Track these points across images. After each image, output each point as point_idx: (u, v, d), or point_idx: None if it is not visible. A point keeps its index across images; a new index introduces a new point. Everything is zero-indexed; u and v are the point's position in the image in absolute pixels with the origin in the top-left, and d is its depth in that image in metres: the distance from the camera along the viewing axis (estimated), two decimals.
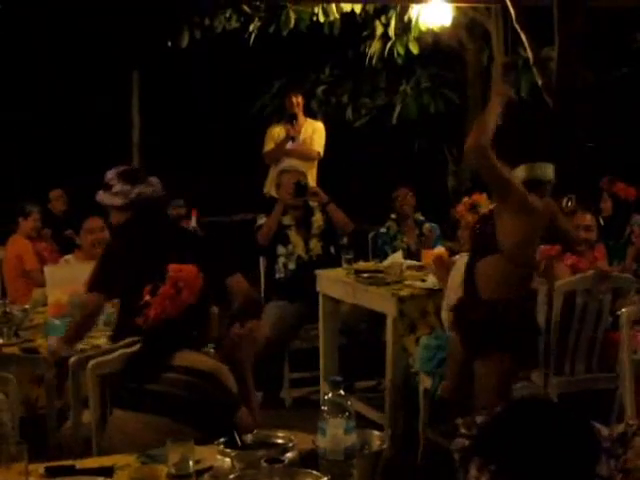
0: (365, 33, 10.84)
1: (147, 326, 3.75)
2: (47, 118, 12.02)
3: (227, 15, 10.61)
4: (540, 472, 2.32)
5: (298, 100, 9.20)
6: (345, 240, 7.49)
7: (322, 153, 9.10)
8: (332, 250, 7.37)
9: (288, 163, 8.39)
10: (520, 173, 5.01)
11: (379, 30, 10.38)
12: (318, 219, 7.41)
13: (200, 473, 3.08)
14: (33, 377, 4.92)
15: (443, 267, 6.04)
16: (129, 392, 3.68)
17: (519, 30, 8.71)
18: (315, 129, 9.24)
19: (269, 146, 9.07)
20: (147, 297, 3.76)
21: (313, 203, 7.44)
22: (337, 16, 9.92)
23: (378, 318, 6.46)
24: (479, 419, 2.59)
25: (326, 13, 9.88)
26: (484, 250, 4.87)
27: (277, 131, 9.14)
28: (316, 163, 9.15)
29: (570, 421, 2.44)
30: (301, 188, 7.32)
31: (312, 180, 8.48)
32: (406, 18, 9.76)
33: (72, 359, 4.17)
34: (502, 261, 4.80)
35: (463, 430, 2.61)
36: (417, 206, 8.36)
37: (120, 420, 3.68)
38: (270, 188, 8.75)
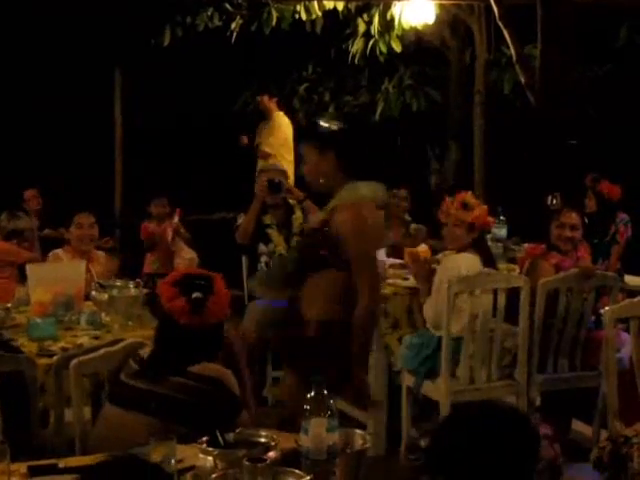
0: (348, 31, 10.83)
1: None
2: (26, 116, 11.96)
3: (209, 13, 10.59)
4: (485, 475, 2.37)
5: (262, 99, 9.58)
6: None
7: (271, 151, 9.66)
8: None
9: (267, 163, 8.55)
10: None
11: (362, 28, 10.37)
12: (299, 217, 7.40)
13: (182, 472, 3.06)
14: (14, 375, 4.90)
15: (418, 263, 6.05)
16: (128, 390, 3.65)
17: (502, 28, 8.72)
18: (270, 127, 9.58)
19: None
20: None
21: (292, 201, 7.45)
22: (319, 14, 9.90)
23: None
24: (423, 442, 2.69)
25: (308, 11, 9.87)
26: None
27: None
28: (279, 157, 9.45)
29: (503, 419, 2.49)
30: (275, 186, 7.34)
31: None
32: (389, 16, 9.75)
33: (55, 358, 4.15)
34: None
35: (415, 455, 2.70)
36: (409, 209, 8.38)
37: (112, 416, 3.66)
38: None
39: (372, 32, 10.15)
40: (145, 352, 3.77)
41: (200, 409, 3.52)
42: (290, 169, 9.26)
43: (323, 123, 4.78)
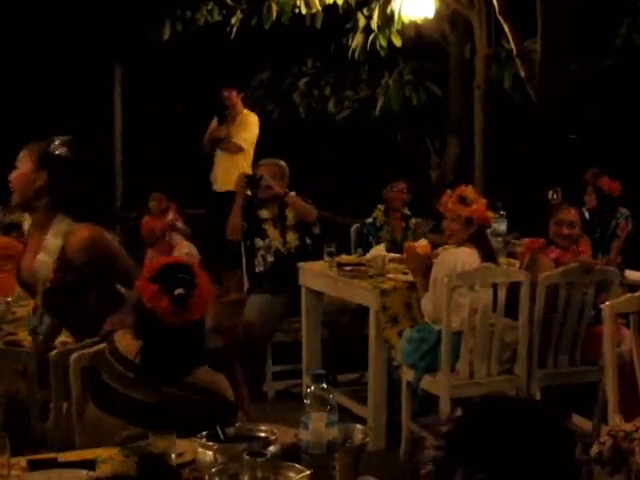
0: (348, 25, 10.81)
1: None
2: (26, 112, 11.95)
3: (209, 8, 10.58)
4: (532, 471, 2.31)
5: (229, 94, 9.84)
6: (317, 230, 7.49)
7: (246, 146, 9.81)
8: (308, 241, 7.39)
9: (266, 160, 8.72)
10: None
11: (362, 22, 10.35)
12: (293, 211, 7.43)
13: (182, 466, 3.07)
14: (15, 370, 4.90)
15: (414, 258, 6.04)
16: (117, 396, 3.59)
17: (502, 22, 8.71)
18: (242, 122, 9.64)
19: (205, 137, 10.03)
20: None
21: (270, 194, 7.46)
22: (319, 8, 9.89)
23: (361, 311, 6.46)
24: (444, 428, 2.57)
25: (308, 5, 9.85)
26: None
27: (214, 122, 10.07)
28: (247, 154, 9.66)
29: (541, 414, 2.44)
30: (252, 181, 7.39)
31: (243, 170, 8.61)
32: (389, 10, 9.73)
33: (54, 352, 4.15)
34: None
35: (431, 441, 2.59)
36: (406, 201, 8.37)
37: (96, 418, 3.64)
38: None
39: (372, 27, 10.13)
40: (126, 349, 3.68)
41: (194, 421, 3.39)
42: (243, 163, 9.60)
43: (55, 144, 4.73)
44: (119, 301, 4.62)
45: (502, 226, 7.62)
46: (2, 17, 11.01)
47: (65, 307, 4.67)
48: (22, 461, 3.19)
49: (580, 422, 6.01)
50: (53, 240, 4.64)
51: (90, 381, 3.79)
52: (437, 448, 2.50)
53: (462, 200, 5.69)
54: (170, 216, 8.61)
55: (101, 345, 3.88)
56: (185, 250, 8.57)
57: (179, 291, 3.50)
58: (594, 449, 3.74)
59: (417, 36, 10.46)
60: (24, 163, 4.63)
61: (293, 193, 7.49)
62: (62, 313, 4.69)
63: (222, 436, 3.11)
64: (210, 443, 3.06)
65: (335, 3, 9.87)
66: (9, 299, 5.82)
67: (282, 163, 7.69)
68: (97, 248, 4.57)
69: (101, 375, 3.67)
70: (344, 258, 6.92)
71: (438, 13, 9.75)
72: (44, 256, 4.67)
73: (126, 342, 3.66)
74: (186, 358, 3.58)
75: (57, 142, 4.70)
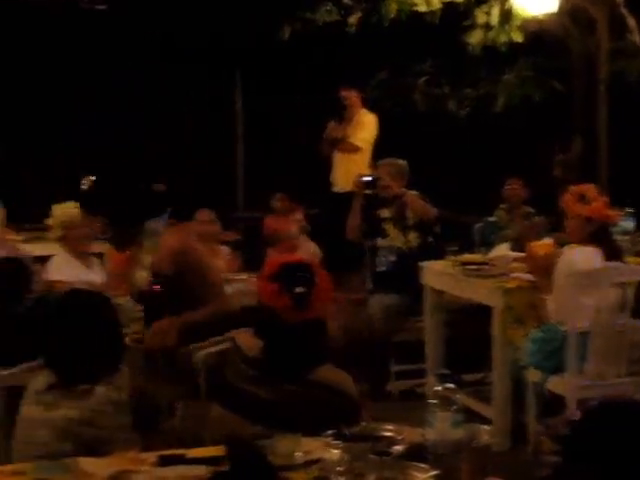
0: (467, 22, 10.74)
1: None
2: (151, 116, 12.15)
3: (328, 8, 10.61)
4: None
5: (348, 94, 9.87)
6: (438, 229, 7.47)
7: (364, 146, 9.78)
8: (429, 240, 7.38)
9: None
10: None
11: (481, 19, 10.27)
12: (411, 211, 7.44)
13: (308, 464, 3.08)
14: (143, 368, 4.99)
15: (534, 258, 5.96)
16: (240, 394, 3.62)
17: (626, 15, 8.54)
18: (360, 122, 9.63)
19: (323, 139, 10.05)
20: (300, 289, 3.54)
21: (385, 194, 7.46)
22: (438, 6, 9.85)
23: (484, 311, 6.40)
24: (562, 432, 2.50)
25: (427, 3, 9.82)
26: None
27: (331, 123, 10.05)
28: (365, 154, 9.62)
29: None
30: (370, 182, 7.43)
31: (361, 170, 8.62)
32: (508, 6, 9.64)
33: (181, 350, 4.21)
34: None
35: (548, 445, 2.54)
36: (527, 198, 8.29)
37: (221, 416, 3.67)
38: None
39: (491, 23, 10.04)
40: (248, 348, 3.73)
41: (318, 419, 3.40)
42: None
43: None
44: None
45: (629, 224, 7.47)
46: (126, 22, 11.22)
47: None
48: (152, 457, 3.24)
49: None
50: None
51: (215, 379, 3.84)
52: (555, 453, 2.45)
53: (581, 198, 5.61)
54: (298, 216, 8.66)
55: (224, 344, 3.93)
56: (311, 250, 8.61)
57: (299, 289, 3.50)
58: None
59: (537, 31, 10.32)
60: None
61: (414, 192, 7.47)
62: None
63: (348, 435, 3.12)
64: (336, 442, 3.07)
65: (454, 0, 9.82)
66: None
67: (401, 162, 7.68)
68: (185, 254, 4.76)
69: (225, 374, 3.72)
70: (467, 257, 6.87)
71: (559, 7, 9.62)
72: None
73: (248, 341, 3.70)
74: (308, 356, 3.59)
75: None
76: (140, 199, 5.52)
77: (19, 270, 5.39)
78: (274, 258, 4.42)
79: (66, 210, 6.68)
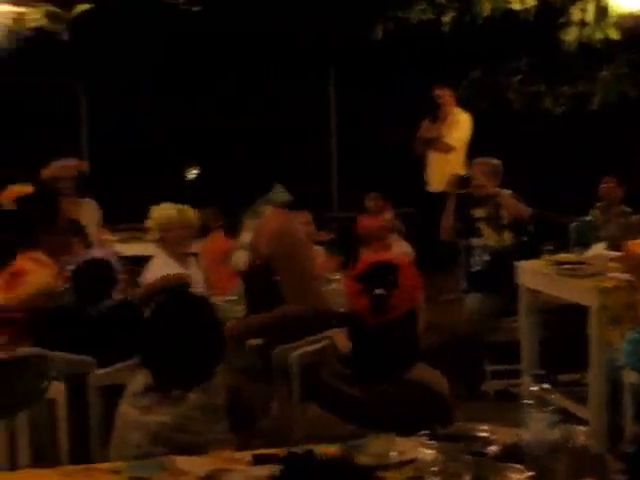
0: (562, 20, 10.62)
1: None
2: (244, 117, 12.25)
3: (422, 7, 10.59)
4: None
5: (442, 93, 9.87)
6: (532, 228, 7.41)
7: (458, 145, 9.75)
8: (524, 239, 7.33)
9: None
10: None
11: (576, 16, 10.15)
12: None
13: (403, 464, 3.09)
14: (238, 367, 5.04)
15: (631, 256, 5.87)
16: (330, 391, 3.64)
17: None
18: (454, 122, 9.57)
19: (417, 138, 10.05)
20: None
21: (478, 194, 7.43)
22: (533, 3, 9.76)
23: (580, 311, 6.33)
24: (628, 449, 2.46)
25: (521, 0, 9.74)
26: None
27: (425, 122, 10.06)
28: (459, 154, 9.52)
29: None
30: (462, 181, 7.41)
31: (456, 170, 8.58)
32: (603, 2, 9.52)
33: (276, 349, 4.25)
34: None
35: (613, 464, 2.50)
36: (623, 197, 8.19)
37: (316, 415, 3.69)
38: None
39: (586, 20, 9.92)
40: (343, 347, 3.75)
41: (411, 418, 3.41)
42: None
43: None
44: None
45: None
46: (222, 23, 11.32)
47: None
48: (247, 456, 3.28)
49: None
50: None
51: (311, 379, 3.86)
52: (621, 472, 2.43)
53: None
54: (388, 215, 8.67)
55: (320, 343, 3.96)
56: (403, 249, 8.61)
57: (379, 291, 3.52)
58: None
59: (633, 28, 10.17)
60: None
61: (508, 192, 7.42)
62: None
63: (442, 435, 3.12)
64: (430, 442, 3.07)
65: None
66: (231, 297, 5.98)
67: (495, 162, 7.64)
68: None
69: (321, 373, 3.74)
70: (563, 257, 6.81)
71: None
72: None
73: (342, 340, 3.72)
74: (396, 356, 3.60)
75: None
76: (248, 184, 5.53)
77: (107, 271, 5.46)
78: (366, 257, 4.43)
79: (163, 212, 6.73)
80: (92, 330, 5.00)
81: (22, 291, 4.75)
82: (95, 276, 5.34)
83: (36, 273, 4.82)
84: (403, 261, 3.72)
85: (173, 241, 6.67)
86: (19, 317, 4.75)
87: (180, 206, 6.77)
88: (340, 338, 3.80)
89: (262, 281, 5.01)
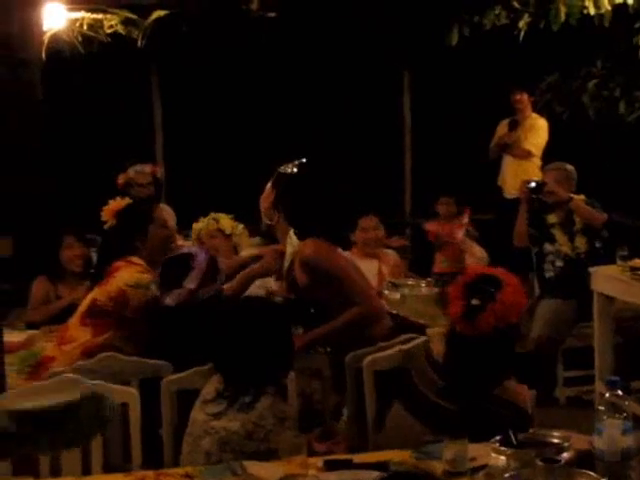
0: (637, 25, 10.51)
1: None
2: (317, 120, 12.29)
3: (496, 12, 10.55)
4: None
5: (521, 97, 9.91)
6: (606, 233, 7.35)
7: (535, 150, 9.71)
8: (597, 245, 7.28)
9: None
10: None
11: None
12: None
13: (475, 470, 3.09)
14: (310, 371, 5.06)
15: None
16: (420, 398, 3.63)
17: None
18: (532, 127, 9.50)
19: (493, 142, 9.97)
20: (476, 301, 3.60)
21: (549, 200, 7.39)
22: (608, 8, 9.67)
23: None
24: None
25: (597, 6, 9.66)
26: None
27: (501, 127, 9.99)
28: (535, 159, 9.50)
29: None
30: (535, 187, 7.37)
31: (531, 175, 8.53)
32: None
33: (348, 356, 4.27)
34: None
35: None
36: None
37: (400, 417, 3.70)
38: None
39: None
40: (439, 354, 3.75)
41: (493, 431, 3.36)
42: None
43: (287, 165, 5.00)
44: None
45: None
46: (294, 29, 11.39)
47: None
48: (319, 461, 3.30)
49: None
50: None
51: (401, 379, 3.87)
52: None
53: None
54: (463, 220, 8.64)
55: (412, 343, 3.97)
56: (478, 255, 8.57)
57: (475, 302, 3.54)
58: None
59: None
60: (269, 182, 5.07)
61: (582, 197, 7.37)
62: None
63: (515, 441, 3.12)
64: (503, 448, 3.07)
65: (625, 2, 9.63)
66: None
67: (569, 167, 7.59)
68: (317, 266, 4.79)
69: (412, 376, 3.75)
70: (638, 262, 6.74)
71: None
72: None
73: (439, 346, 3.75)
74: (493, 372, 3.60)
75: (291, 163, 5.02)
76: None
77: (188, 263, 5.54)
78: (471, 268, 4.43)
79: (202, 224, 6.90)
80: (169, 320, 5.09)
81: (112, 284, 4.99)
82: (177, 266, 5.43)
83: (126, 269, 5.04)
84: (510, 279, 3.68)
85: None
86: (108, 309, 4.98)
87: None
88: (438, 343, 3.83)
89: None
